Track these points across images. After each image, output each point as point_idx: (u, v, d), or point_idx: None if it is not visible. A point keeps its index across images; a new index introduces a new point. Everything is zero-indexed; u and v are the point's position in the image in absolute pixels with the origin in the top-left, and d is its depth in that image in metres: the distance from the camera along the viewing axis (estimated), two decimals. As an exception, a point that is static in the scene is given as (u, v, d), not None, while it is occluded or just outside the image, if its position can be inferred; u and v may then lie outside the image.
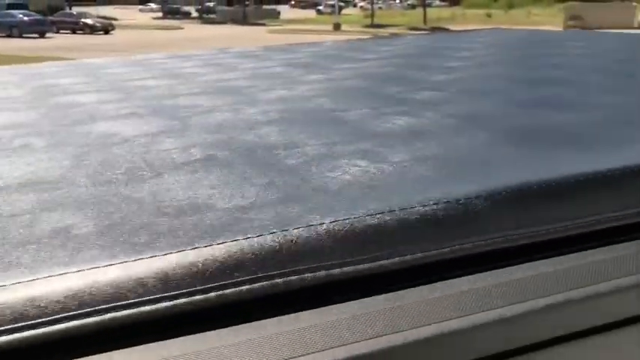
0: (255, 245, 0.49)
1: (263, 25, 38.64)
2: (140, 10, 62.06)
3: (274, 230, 0.50)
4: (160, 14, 53.51)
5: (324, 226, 0.51)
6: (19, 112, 1.18)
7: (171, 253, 0.48)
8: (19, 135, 0.97)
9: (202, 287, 0.45)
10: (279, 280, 0.47)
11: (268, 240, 0.49)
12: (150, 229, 0.53)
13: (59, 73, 1.79)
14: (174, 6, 56.26)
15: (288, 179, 0.68)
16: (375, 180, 0.65)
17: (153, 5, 62.93)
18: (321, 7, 55.23)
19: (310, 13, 54.59)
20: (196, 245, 0.49)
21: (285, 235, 0.50)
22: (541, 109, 1.01)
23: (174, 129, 1.02)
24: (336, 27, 29.42)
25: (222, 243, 0.49)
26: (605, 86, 1.23)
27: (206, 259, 0.47)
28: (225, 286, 0.46)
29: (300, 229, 0.51)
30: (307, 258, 0.49)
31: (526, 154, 0.74)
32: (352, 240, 0.51)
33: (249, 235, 0.50)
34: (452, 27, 28.83)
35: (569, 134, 0.82)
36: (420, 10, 41.52)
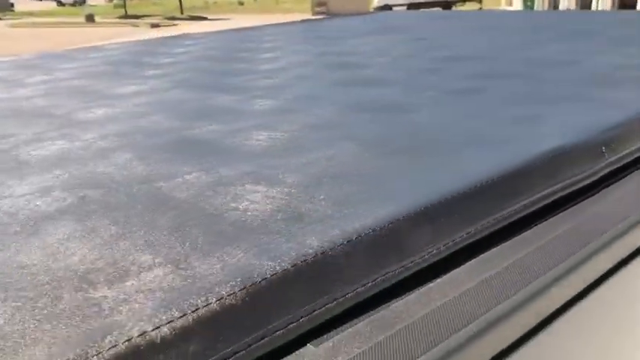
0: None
1: (-1, 19, 34.51)
2: None
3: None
4: None
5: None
6: None
7: None
8: None
9: None
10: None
11: None
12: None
13: None
14: None
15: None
16: None
17: None
18: (62, -1, 51.12)
19: (49, 5, 50.15)
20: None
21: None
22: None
23: (7, 169, 0.98)
24: (89, 19, 27.72)
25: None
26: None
27: None
28: None
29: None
30: None
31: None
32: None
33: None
34: (209, 15, 29.15)
35: None
36: (172, -1, 40.89)
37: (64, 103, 1.52)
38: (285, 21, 3.95)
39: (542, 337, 0.66)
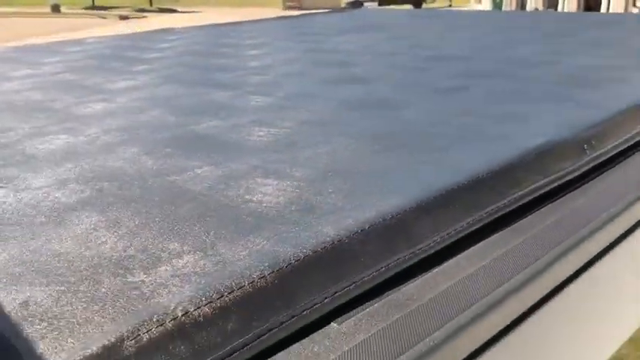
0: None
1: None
2: None
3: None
4: None
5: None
6: None
7: None
8: None
9: None
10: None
11: None
12: None
13: None
14: None
15: None
16: None
17: None
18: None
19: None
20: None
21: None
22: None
23: (16, 163, 1.01)
24: (55, 9, 27.13)
25: None
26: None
27: None
28: None
29: None
30: None
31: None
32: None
33: None
34: (179, 8, 28.79)
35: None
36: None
37: (58, 97, 1.54)
38: (258, 15, 3.98)
39: (538, 316, 0.73)
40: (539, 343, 0.77)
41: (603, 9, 9.27)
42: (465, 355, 0.62)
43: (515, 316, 0.70)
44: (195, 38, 2.79)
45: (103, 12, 28.33)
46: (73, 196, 0.85)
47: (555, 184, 0.93)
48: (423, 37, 2.55)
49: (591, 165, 1.00)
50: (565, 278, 0.78)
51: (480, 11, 4.19)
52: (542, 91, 1.38)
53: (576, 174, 0.97)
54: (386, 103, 1.34)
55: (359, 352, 0.56)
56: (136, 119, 1.27)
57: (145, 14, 25.84)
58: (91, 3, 32.66)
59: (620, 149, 1.07)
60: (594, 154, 1.01)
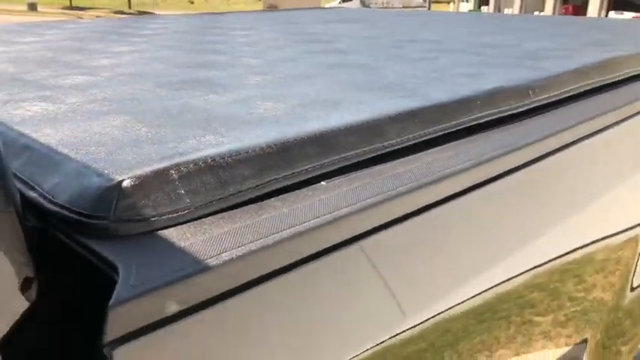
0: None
1: None
2: None
3: None
4: None
5: None
6: None
7: None
8: None
9: None
10: None
11: None
12: None
13: None
14: None
15: None
16: None
17: None
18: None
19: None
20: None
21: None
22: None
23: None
24: (32, 7, 26.94)
25: None
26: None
27: None
28: None
29: None
30: None
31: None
32: None
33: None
34: (158, 11, 28.86)
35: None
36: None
37: (67, 56, 1.70)
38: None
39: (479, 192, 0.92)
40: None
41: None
42: (421, 206, 0.81)
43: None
44: (182, 25, 2.95)
45: (80, 12, 28.25)
46: (103, 107, 1.02)
47: (504, 115, 1.13)
48: (400, 28, 2.76)
49: (533, 106, 1.21)
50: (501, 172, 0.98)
51: (453, 12, 4.44)
52: (501, 62, 1.59)
53: (521, 110, 1.17)
54: (365, 66, 1.53)
55: (337, 198, 0.74)
56: (142, 69, 1.44)
57: (122, 16, 25.84)
58: (68, 3, 32.55)
59: (557, 99, 1.29)
60: (537, 99, 1.22)
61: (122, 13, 27.80)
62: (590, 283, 1.28)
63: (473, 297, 0.88)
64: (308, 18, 3.35)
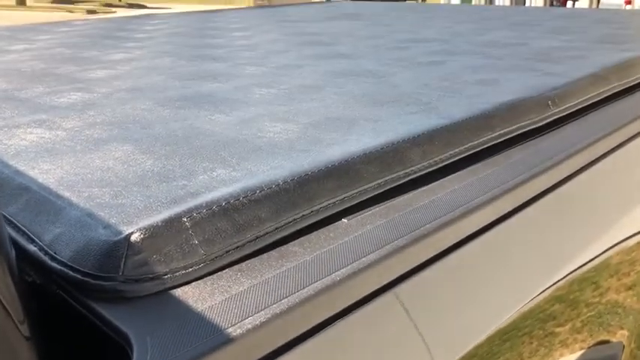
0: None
1: None
2: None
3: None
4: None
5: None
6: None
7: None
8: None
9: None
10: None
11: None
12: None
13: None
14: None
15: None
16: None
17: None
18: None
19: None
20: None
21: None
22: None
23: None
24: (20, 2, 26.59)
25: None
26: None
27: None
28: None
29: None
30: None
31: None
32: None
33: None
34: (148, 4, 28.52)
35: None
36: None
37: (60, 66, 1.63)
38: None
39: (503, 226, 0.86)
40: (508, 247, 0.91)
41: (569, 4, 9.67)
42: (449, 244, 0.75)
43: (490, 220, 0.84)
44: (180, 22, 2.88)
45: (70, 6, 27.87)
46: (103, 133, 0.96)
47: (523, 131, 1.07)
48: (399, 25, 2.69)
49: (554, 118, 1.15)
50: (527, 199, 0.92)
51: (451, 4, 4.37)
52: (511, 65, 1.53)
53: (540, 124, 1.11)
54: (372, 73, 1.47)
55: (362, 240, 0.69)
56: (141, 82, 1.38)
57: (113, 9, 25.54)
58: (56, -3, 32.10)
59: (577, 108, 1.23)
60: (557, 110, 1.16)
61: (112, 5, 27.49)
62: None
63: (499, 321, 0.84)
64: (304, 15, 3.28)
